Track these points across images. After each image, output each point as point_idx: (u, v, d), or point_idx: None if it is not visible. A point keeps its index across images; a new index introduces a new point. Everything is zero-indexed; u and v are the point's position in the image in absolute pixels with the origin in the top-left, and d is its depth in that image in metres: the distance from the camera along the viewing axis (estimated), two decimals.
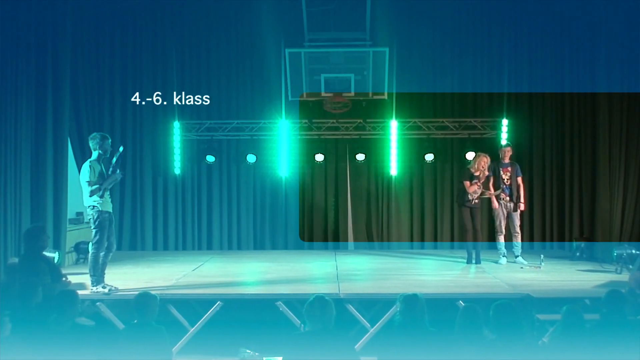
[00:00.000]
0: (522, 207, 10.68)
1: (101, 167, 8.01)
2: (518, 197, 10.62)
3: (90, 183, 7.89)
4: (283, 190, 13.18)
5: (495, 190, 10.59)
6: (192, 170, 13.12)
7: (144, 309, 5.70)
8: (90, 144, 8.15)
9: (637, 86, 11.37)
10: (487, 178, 10.53)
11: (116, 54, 12.81)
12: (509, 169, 10.65)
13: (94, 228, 8.06)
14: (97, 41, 12.67)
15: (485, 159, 10.45)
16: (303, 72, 11.89)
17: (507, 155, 10.71)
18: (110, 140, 8.16)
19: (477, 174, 10.40)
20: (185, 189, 13.11)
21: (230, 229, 13.24)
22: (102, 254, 8.10)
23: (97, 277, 8.10)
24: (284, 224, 13.25)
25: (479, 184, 10.39)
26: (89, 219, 8.15)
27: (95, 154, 8.09)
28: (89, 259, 8.12)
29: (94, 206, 8.01)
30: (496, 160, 10.74)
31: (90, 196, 7.93)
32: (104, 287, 8.08)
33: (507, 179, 10.62)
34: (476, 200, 10.48)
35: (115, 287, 8.17)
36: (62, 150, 11.12)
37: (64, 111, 11.14)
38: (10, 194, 10.00)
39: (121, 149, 8.14)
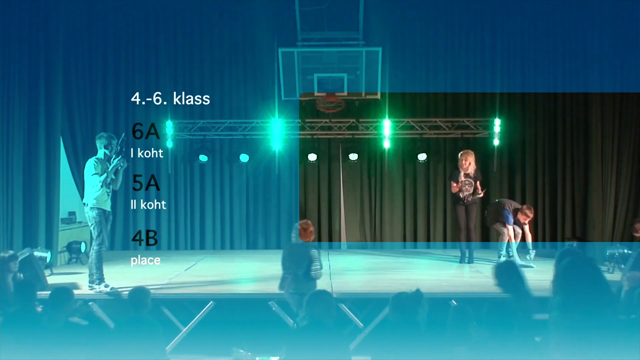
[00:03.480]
0: (532, 254, 10.56)
1: (106, 165, 8.04)
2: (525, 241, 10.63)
3: (98, 174, 7.93)
4: (276, 190, 13.18)
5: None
6: (184, 169, 13.10)
7: (138, 303, 5.75)
8: (97, 143, 8.19)
9: (629, 86, 11.41)
10: (476, 176, 10.51)
11: (109, 53, 12.78)
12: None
13: (91, 226, 8.08)
14: (90, 40, 12.64)
15: (471, 156, 10.44)
16: (296, 71, 11.89)
17: (525, 216, 10.57)
18: (116, 141, 8.17)
19: (465, 172, 10.40)
20: (178, 188, 13.10)
21: (223, 228, 13.23)
22: (104, 250, 8.11)
23: (100, 275, 8.10)
24: (276, 223, 13.25)
25: (463, 180, 10.35)
26: (87, 217, 8.16)
27: (100, 153, 8.13)
28: (92, 257, 8.12)
29: (88, 204, 8.03)
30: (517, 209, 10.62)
31: (101, 187, 7.95)
32: (106, 287, 8.08)
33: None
34: (469, 198, 10.46)
35: (113, 287, 8.16)
36: (54, 149, 11.10)
37: (56, 110, 11.12)
38: (3, 193, 9.99)
39: (123, 135, 8.16)
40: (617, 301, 5.51)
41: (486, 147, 12.53)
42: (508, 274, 6.06)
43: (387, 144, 12.53)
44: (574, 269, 4.70)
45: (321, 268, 7.43)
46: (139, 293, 5.93)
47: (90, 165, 8.08)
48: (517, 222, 10.45)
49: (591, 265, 4.80)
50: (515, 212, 10.42)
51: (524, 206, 10.57)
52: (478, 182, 10.51)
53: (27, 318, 5.68)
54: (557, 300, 4.73)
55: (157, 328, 5.71)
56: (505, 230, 10.41)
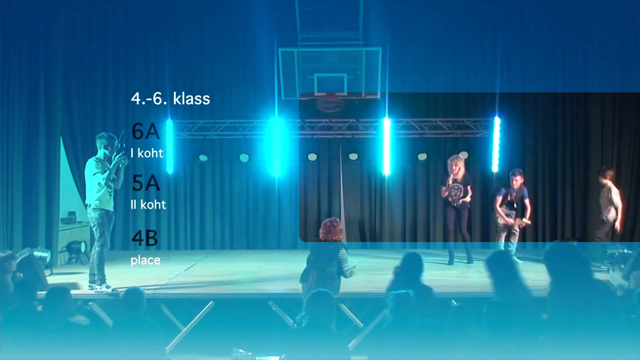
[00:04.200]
0: (525, 221, 10.59)
1: (106, 164, 8.04)
2: (524, 214, 10.65)
3: (100, 173, 7.93)
4: (276, 190, 13.18)
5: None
6: (185, 169, 13.10)
7: (132, 305, 5.73)
8: (97, 143, 8.20)
9: (629, 86, 11.41)
10: (466, 181, 10.54)
11: (109, 53, 12.77)
12: (515, 194, 10.62)
13: (93, 227, 8.08)
14: (90, 40, 12.62)
15: (460, 161, 10.49)
16: (296, 71, 11.88)
17: (517, 182, 10.61)
18: (116, 141, 8.17)
19: (455, 177, 10.42)
20: (178, 188, 13.09)
21: (223, 228, 13.24)
22: (105, 251, 8.12)
23: (102, 276, 8.11)
24: (276, 223, 13.25)
25: (450, 184, 10.39)
26: (89, 218, 8.16)
27: (100, 153, 8.13)
28: (94, 258, 8.13)
29: (90, 204, 8.04)
30: (506, 187, 10.69)
31: (105, 184, 7.95)
32: (107, 287, 8.08)
33: (514, 201, 10.62)
34: (459, 202, 10.47)
35: (114, 288, 8.17)
36: (54, 149, 11.11)
37: (56, 110, 11.12)
38: (3, 193, 10.00)
39: (123, 132, 8.18)
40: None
41: (486, 146, 12.51)
42: (410, 262, 6.59)
43: (387, 144, 12.51)
44: (557, 253, 4.84)
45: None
46: (132, 294, 5.88)
47: (90, 165, 8.08)
48: (510, 207, 10.51)
49: (572, 248, 4.94)
50: (507, 184, 10.55)
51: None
52: (469, 187, 10.55)
53: (25, 317, 5.69)
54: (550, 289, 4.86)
55: (155, 328, 5.68)
56: (501, 221, 10.47)
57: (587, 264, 4.86)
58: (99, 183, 8.00)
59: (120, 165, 8.08)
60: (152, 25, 12.90)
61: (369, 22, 12.05)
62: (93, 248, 8.21)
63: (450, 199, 10.44)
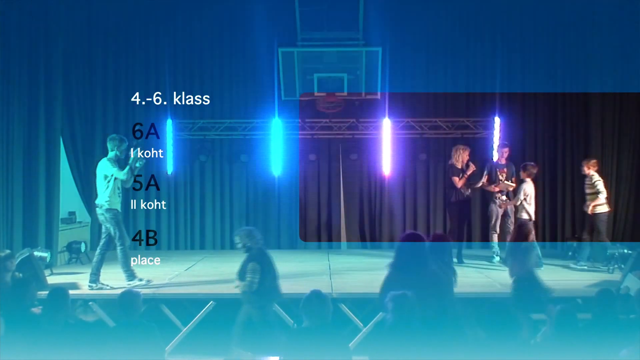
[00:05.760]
0: (509, 183, 10.60)
1: (118, 164, 8.10)
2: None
3: (118, 169, 8.05)
4: (276, 190, 13.17)
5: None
6: (185, 169, 13.09)
7: (128, 308, 5.68)
8: (109, 145, 8.27)
9: (629, 86, 11.41)
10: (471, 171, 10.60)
11: (109, 53, 12.77)
12: (505, 170, 10.63)
13: (111, 227, 8.15)
14: (90, 40, 12.61)
15: (467, 151, 10.51)
16: (296, 71, 11.88)
17: (504, 155, 10.69)
18: (126, 144, 8.23)
19: (461, 166, 10.46)
20: (178, 188, 13.09)
21: (223, 228, 13.23)
22: (128, 247, 8.18)
23: (130, 272, 8.25)
24: (276, 223, 13.24)
25: (467, 176, 10.42)
26: (104, 218, 8.21)
27: (112, 154, 8.18)
28: (120, 257, 8.26)
29: (102, 205, 8.09)
30: (492, 161, 10.78)
31: (124, 181, 8.13)
32: (140, 280, 8.26)
33: (503, 180, 10.61)
34: (467, 194, 10.52)
35: (111, 287, 8.18)
36: (54, 149, 11.10)
37: (56, 110, 11.11)
38: (3, 193, 10.00)
39: (135, 142, 8.29)
40: None
41: (486, 147, 12.51)
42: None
43: (387, 144, 12.50)
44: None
45: None
46: (128, 296, 5.79)
47: (105, 165, 8.14)
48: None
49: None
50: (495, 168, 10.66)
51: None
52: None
53: (25, 318, 5.68)
54: None
55: (152, 330, 5.63)
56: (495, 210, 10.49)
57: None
58: (117, 178, 8.07)
59: (138, 164, 8.15)
60: (152, 25, 12.89)
61: (369, 22, 12.05)
62: (99, 248, 8.37)
63: (462, 190, 10.47)
